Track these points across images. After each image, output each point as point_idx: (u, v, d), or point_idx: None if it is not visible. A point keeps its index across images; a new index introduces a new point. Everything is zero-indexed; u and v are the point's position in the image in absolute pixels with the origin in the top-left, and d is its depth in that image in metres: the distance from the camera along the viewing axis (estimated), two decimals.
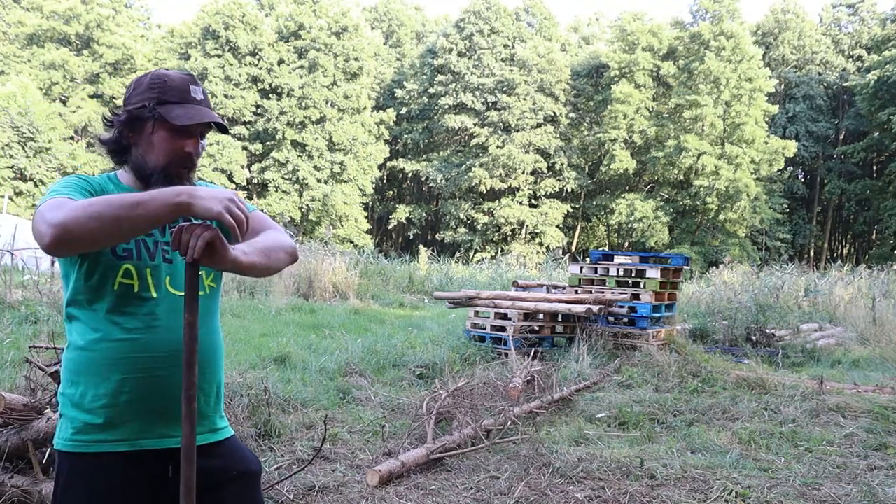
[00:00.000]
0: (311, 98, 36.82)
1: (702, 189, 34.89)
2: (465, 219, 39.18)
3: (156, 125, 1.64)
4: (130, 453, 1.60)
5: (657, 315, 8.29)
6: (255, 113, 37.31)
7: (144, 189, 1.65)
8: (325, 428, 4.03)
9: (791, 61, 41.30)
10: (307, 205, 37.33)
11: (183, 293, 1.61)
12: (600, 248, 37.52)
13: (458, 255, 33.74)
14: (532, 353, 7.13)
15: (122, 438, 1.59)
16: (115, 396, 1.59)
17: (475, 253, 37.49)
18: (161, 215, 1.41)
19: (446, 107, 39.52)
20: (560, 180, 38.84)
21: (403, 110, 41.92)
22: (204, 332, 1.66)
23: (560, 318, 8.34)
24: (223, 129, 1.74)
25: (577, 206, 40.65)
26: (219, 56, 36.70)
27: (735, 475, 4.15)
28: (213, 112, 1.70)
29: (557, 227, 39.08)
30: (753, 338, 9.50)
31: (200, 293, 1.62)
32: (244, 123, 37.47)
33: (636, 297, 8.23)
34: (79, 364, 1.61)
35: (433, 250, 30.27)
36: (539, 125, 38.87)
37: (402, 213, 41.07)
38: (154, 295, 1.63)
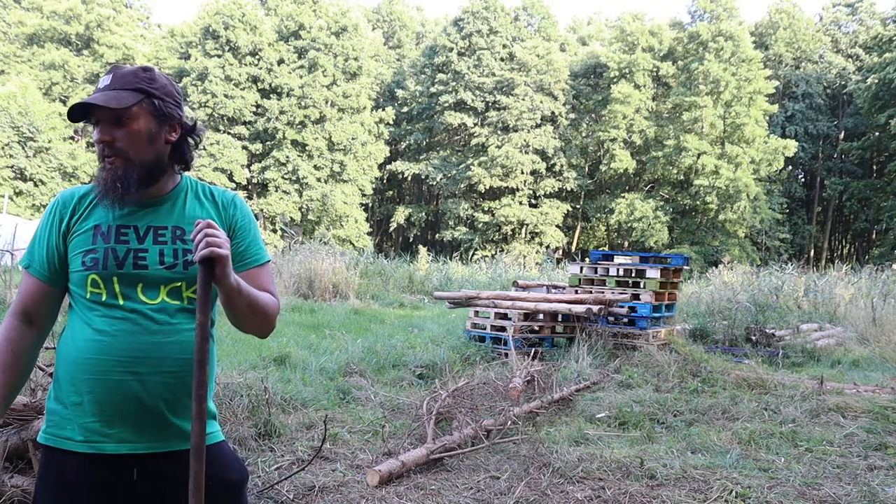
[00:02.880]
0: (311, 98, 36.82)
1: (702, 189, 34.89)
2: (464, 217, 39.21)
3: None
4: (92, 455, 1.60)
5: (657, 315, 8.29)
6: (255, 113, 37.31)
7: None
8: (325, 428, 4.03)
9: (788, 60, 41.30)
10: (307, 204, 37.33)
11: (154, 301, 1.64)
12: (600, 248, 37.57)
13: (457, 254, 33.76)
14: (532, 353, 7.13)
15: (84, 440, 1.61)
16: (79, 395, 1.62)
17: (475, 252, 37.50)
18: None
19: (447, 104, 39.56)
20: (560, 180, 38.85)
21: (404, 109, 41.94)
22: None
23: (560, 318, 8.34)
24: (94, 108, 1.62)
25: (577, 205, 40.66)
26: (219, 56, 36.69)
27: (735, 475, 4.15)
28: (104, 93, 1.64)
29: (557, 226, 39.10)
30: (753, 338, 9.50)
31: (177, 303, 1.66)
32: (244, 123, 37.46)
33: (636, 297, 8.23)
34: (57, 360, 1.68)
35: (433, 251, 30.29)
36: (538, 125, 38.88)
37: (401, 213, 41.09)
38: (120, 302, 1.62)
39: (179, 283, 1.66)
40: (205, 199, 1.81)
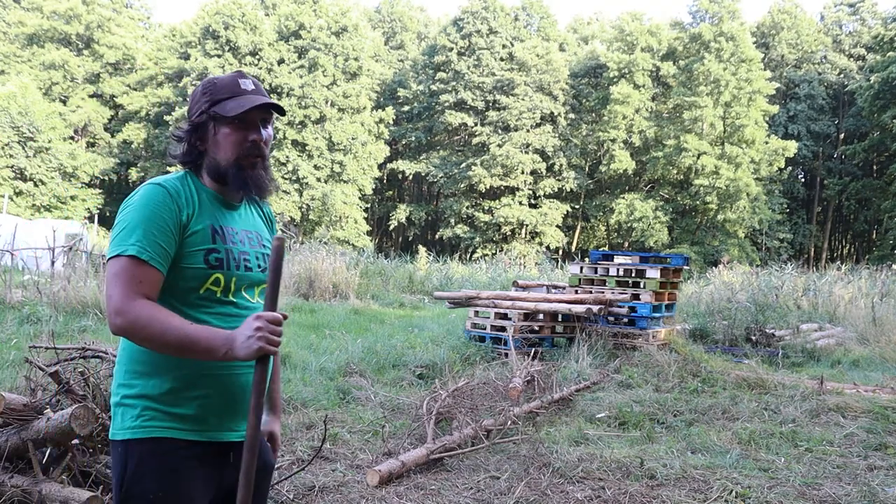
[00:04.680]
0: (311, 98, 36.82)
1: (702, 189, 34.90)
2: (465, 216, 39.22)
3: (216, 125, 1.72)
4: (200, 443, 1.66)
5: (657, 315, 8.28)
6: None
7: (224, 188, 1.75)
8: (325, 428, 4.03)
9: (790, 61, 41.31)
10: (307, 204, 37.33)
11: (254, 300, 1.77)
12: (600, 248, 37.60)
13: (457, 254, 33.76)
14: (532, 353, 7.13)
15: (195, 429, 1.66)
16: (193, 389, 1.65)
17: (475, 251, 37.51)
18: (207, 359, 1.60)
19: (447, 104, 39.58)
20: (559, 180, 38.87)
21: (406, 108, 41.94)
22: None
23: (560, 318, 8.33)
24: (281, 111, 1.77)
25: (577, 206, 40.68)
26: (219, 56, 36.70)
27: (735, 475, 4.16)
28: (265, 97, 1.75)
29: (557, 226, 39.11)
30: (753, 338, 9.49)
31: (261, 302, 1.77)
32: None
33: (636, 297, 8.23)
34: (155, 356, 1.63)
35: (433, 251, 30.28)
36: (538, 125, 38.90)
37: (401, 212, 41.10)
38: (234, 299, 1.72)
39: (266, 285, 1.78)
40: (257, 209, 1.92)
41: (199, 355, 1.57)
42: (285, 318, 1.59)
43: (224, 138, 1.71)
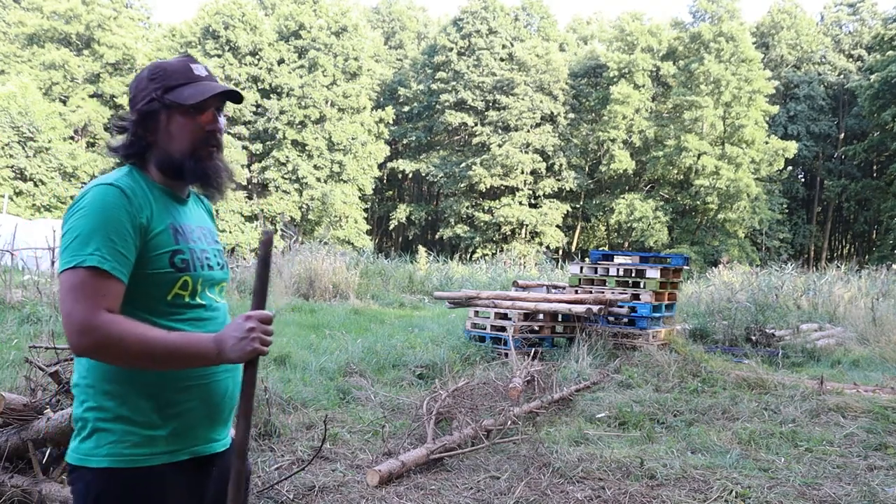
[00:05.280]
0: (311, 97, 36.82)
1: (702, 189, 34.90)
2: (465, 216, 39.23)
3: (170, 113, 1.57)
4: (185, 461, 1.56)
5: (657, 315, 8.28)
6: (255, 112, 37.30)
7: (174, 182, 1.62)
8: (325, 428, 4.03)
9: (790, 61, 41.32)
10: (307, 204, 37.33)
11: (218, 301, 1.67)
12: (600, 248, 37.59)
13: (457, 253, 33.77)
14: (532, 353, 7.13)
15: (179, 448, 1.55)
16: (174, 404, 1.53)
17: (475, 251, 37.52)
18: (195, 367, 1.51)
19: (447, 104, 39.59)
20: (559, 180, 38.88)
21: (406, 108, 41.95)
22: None
23: (560, 318, 8.33)
24: (237, 99, 1.66)
25: (577, 205, 40.68)
26: (219, 56, 36.69)
27: (735, 475, 4.16)
28: (220, 83, 1.64)
29: (557, 226, 39.13)
30: (753, 338, 9.49)
31: (223, 301, 1.69)
32: (244, 123, 37.46)
33: (636, 297, 8.23)
34: (128, 374, 1.49)
35: (433, 250, 30.30)
36: (538, 125, 38.91)
37: (401, 212, 41.10)
38: (202, 302, 1.60)
39: (224, 283, 1.71)
40: (199, 202, 1.79)
41: (184, 364, 1.47)
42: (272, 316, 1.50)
43: (179, 128, 1.56)
